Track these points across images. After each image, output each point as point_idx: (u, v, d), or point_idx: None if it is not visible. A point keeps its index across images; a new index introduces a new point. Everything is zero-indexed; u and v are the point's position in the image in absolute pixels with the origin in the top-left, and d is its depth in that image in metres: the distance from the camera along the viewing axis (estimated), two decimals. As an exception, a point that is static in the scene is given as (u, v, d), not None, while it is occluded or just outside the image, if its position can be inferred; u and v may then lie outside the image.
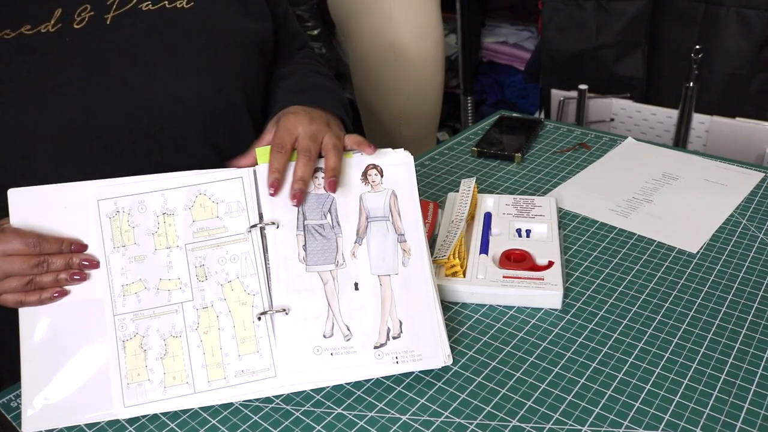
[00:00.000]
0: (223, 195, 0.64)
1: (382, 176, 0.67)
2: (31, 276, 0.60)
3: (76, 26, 0.68)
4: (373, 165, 0.67)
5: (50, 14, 0.67)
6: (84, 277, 0.61)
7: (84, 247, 0.62)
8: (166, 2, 0.72)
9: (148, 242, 0.63)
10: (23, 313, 0.60)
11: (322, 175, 0.66)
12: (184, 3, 0.73)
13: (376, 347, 0.61)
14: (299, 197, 0.64)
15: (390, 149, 0.68)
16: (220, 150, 0.77)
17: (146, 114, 0.71)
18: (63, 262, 0.61)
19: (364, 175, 0.67)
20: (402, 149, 0.68)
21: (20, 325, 0.60)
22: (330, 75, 0.88)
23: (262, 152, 0.66)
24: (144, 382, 0.59)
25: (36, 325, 0.60)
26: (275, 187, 0.64)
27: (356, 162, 0.67)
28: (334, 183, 0.64)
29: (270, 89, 0.85)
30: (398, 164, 0.68)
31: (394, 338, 0.61)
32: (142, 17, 0.71)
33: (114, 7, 0.70)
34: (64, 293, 0.61)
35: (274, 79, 0.86)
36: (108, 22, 0.69)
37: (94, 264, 0.62)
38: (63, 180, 0.64)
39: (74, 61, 0.68)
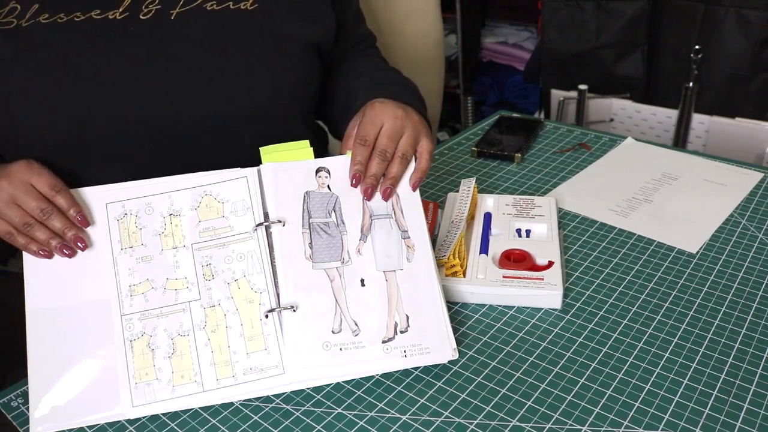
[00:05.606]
0: (228, 195, 0.65)
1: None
2: (28, 223, 0.62)
3: (142, 17, 0.70)
4: None
5: (120, 2, 0.69)
6: (71, 254, 0.63)
7: (87, 224, 0.63)
8: (231, 3, 0.73)
9: (155, 243, 0.63)
10: (30, 314, 0.61)
11: (325, 174, 0.66)
12: (248, 5, 0.74)
13: (384, 341, 0.61)
14: (370, 193, 0.66)
15: None
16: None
17: (197, 111, 0.72)
18: (61, 226, 0.62)
19: None
20: None
21: (27, 327, 0.60)
22: (400, 72, 0.88)
23: (266, 151, 0.67)
24: (152, 382, 0.59)
25: (43, 327, 0.60)
26: (357, 178, 0.66)
27: None
28: (389, 191, 0.67)
29: (340, 86, 0.85)
30: None
31: (401, 332, 0.62)
32: (206, 16, 0.72)
33: (180, 3, 0.71)
34: (50, 256, 0.63)
35: (347, 78, 0.85)
36: (172, 18, 0.71)
37: (84, 246, 0.63)
38: (107, 165, 0.69)
39: (134, 51, 0.69)
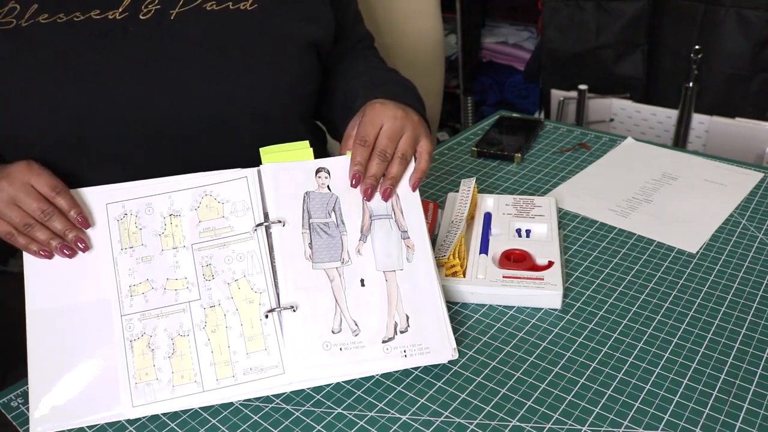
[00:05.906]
0: (228, 195, 0.65)
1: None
2: (28, 223, 0.62)
3: (141, 17, 0.70)
4: None
5: (119, 2, 0.69)
6: (71, 254, 0.63)
7: (88, 225, 0.64)
8: (230, 3, 0.73)
9: (155, 243, 0.63)
10: (30, 315, 0.61)
11: (325, 175, 0.66)
12: (248, 5, 0.74)
13: (384, 341, 0.61)
14: (370, 193, 0.66)
15: None
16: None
17: (196, 111, 0.72)
18: (62, 227, 0.62)
19: None
20: None
21: (27, 327, 0.60)
22: (398, 73, 0.88)
23: (266, 152, 0.67)
24: (152, 382, 0.59)
25: (43, 327, 0.60)
26: (357, 179, 0.66)
27: None
28: (389, 191, 0.67)
29: (339, 86, 0.85)
30: None
31: (401, 332, 0.62)
32: (206, 16, 0.72)
33: (180, 3, 0.71)
34: (50, 256, 0.63)
35: (345, 78, 0.85)
36: (172, 18, 0.71)
37: (85, 246, 0.63)
38: (107, 165, 0.69)
39: (134, 51, 0.69)
